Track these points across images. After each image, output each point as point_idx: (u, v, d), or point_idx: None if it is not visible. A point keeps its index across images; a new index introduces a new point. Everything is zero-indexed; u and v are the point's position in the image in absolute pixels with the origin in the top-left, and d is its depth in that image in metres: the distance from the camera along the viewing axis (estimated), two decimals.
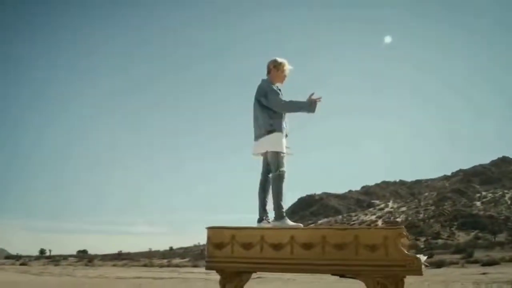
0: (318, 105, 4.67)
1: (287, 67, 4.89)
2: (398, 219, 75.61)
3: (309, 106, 4.66)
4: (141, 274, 24.41)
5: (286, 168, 4.71)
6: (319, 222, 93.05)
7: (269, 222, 4.67)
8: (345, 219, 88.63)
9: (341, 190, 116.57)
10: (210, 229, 4.42)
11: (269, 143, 4.68)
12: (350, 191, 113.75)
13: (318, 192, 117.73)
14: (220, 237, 4.32)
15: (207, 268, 4.42)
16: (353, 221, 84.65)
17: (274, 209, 4.65)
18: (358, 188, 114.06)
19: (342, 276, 4.17)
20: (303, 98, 4.72)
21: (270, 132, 4.67)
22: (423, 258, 4.73)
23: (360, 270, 3.84)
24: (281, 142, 4.66)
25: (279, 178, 4.64)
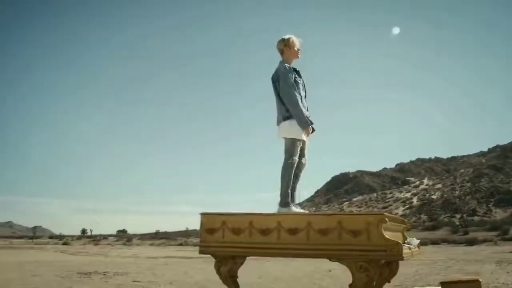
0: (309, 133, 4.69)
1: (296, 40, 4.79)
2: (433, 196, 74.64)
3: (304, 124, 4.58)
4: (173, 254, 25.04)
5: (306, 153, 4.77)
6: (354, 200, 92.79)
7: (296, 207, 4.65)
8: (379, 196, 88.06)
9: (375, 167, 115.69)
10: (203, 215, 4.56)
11: (286, 129, 4.63)
12: (384, 168, 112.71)
13: (352, 170, 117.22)
14: (212, 223, 4.45)
15: (200, 252, 4.58)
16: (388, 198, 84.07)
17: (280, 196, 4.64)
18: (392, 165, 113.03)
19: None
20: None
21: (287, 118, 4.61)
22: (415, 241, 4.79)
23: (343, 254, 3.91)
24: (298, 129, 4.58)
25: (290, 166, 4.62)
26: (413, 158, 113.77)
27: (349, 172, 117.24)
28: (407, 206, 73.78)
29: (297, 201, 4.79)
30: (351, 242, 3.88)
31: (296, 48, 4.79)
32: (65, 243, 52.20)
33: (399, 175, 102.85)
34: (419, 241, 4.77)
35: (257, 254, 4.38)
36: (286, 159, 4.65)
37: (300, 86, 4.75)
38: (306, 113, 4.67)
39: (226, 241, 4.35)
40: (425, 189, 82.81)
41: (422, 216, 63.30)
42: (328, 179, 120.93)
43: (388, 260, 4.29)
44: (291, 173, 4.65)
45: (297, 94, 4.62)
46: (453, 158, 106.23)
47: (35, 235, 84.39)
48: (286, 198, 4.61)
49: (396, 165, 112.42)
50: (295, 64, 4.84)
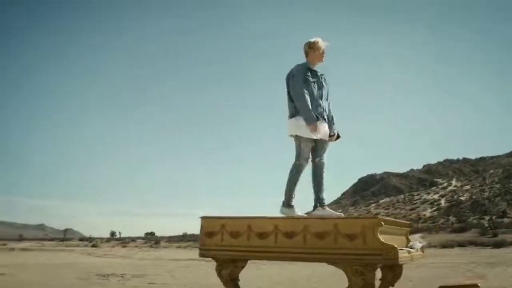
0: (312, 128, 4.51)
1: (322, 43, 4.76)
2: (462, 198, 73.18)
3: (309, 119, 4.50)
4: (196, 256, 25.13)
5: (326, 155, 4.74)
6: (381, 201, 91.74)
7: (324, 208, 4.62)
8: (406, 198, 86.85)
9: (402, 169, 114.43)
10: (203, 218, 4.61)
11: (291, 126, 4.63)
12: (411, 170, 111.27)
13: (379, 171, 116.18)
14: (211, 226, 4.50)
15: (200, 255, 4.64)
16: (415, 200, 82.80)
17: (284, 196, 4.63)
18: (420, 166, 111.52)
19: None
20: None
21: (293, 115, 4.61)
22: (418, 245, 4.74)
23: (338, 258, 3.90)
24: (303, 126, 4.51)
25: (296, 168, 4.61)
26: (441, 159, 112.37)
27: (375, 173, 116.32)
28: (435, 208, 72.52)
29: (326, 203, 4.73)
30: (347, 246, 3.87)
31: (320, 52, 4.76)
32: (94, 245, 53.09)
33: (427, 177, 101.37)
34: (422, 244, 4.73)
35: (255, 257, 4.41)
36: (295, 160, 4.65)
37: (315, 85, 4.70)
38: (319, 110, 4.64)
39: (225, 245, 4.39)
40: (453, 191, 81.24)
41: (450, 218, 62.09)
42: (355, 181, 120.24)
43: (384, 264, 4.25)
44: (296, 175, 4.64)
45: (306, 91, 4.58)
46: (482, 159, 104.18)
47: (65, 237, 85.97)
48: (289, 200, 4.62)
49: (424, 166, 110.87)
50: (319, 67, 4.83)
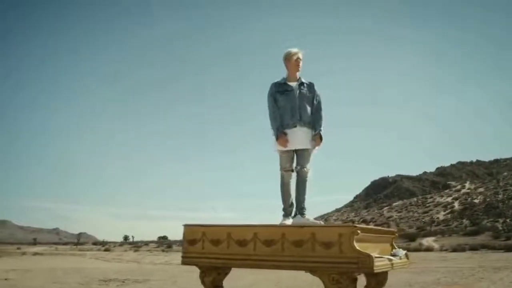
0: (279, 141, 4.67)
1: (295, 53, 4.81)
2: (475, 200, 72.51)
3: (276, 135, 4.70)
4: None
5: (310, 164, 4.78)
6: (394, 204, 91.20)
7: (303, 217, 4.70)
8: (419, 201, 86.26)
9: (415, 171, 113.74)
10: (185, 226, 4.66)
11: (273, 143, 4.80)
12: (424, 172, 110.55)
13: (392, 174, 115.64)
14: (193, 234, 4.54)
15: (182, 263, 4.68)
16: (428, 203, 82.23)
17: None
18: (433, 169, 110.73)
19: None
20: None
21: (273, 134, 4.80)
22: (401, 252, 4.71)
23: (315, 266, 3.90)
24: (275, 142, 4.72)
25: (281, 179, 4.80)
26: (454, 162, 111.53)
27: (388, 176, 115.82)
28: (448, 211, 71.96)
29: (307, 212, 4.77)
30: (323, 254, 3.87)
31: (294, 61, 4.81)
32: (106, 250, 53.50)
33: (440, 179, 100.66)
34: (405, 252, 4.70)
35: (235, 265, 4.41)
36: None
37: (289, 96, 4.76)
38: (294, 120, 4.70)
39: (206, 252, 4.43)
40: (467, 193, 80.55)
41: (464, 221, 61.56)
42: (367, 183, 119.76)
43: (360, 273, 4.23)
44: (282, 186, 4.79)
45: (273, 108, 4.76)
46: (496, 161, 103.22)
47: (79, 241, 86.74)
48: (284, 209, 4.75)
49: (437, 169, 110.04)
50: (302, 73, 4.88)
